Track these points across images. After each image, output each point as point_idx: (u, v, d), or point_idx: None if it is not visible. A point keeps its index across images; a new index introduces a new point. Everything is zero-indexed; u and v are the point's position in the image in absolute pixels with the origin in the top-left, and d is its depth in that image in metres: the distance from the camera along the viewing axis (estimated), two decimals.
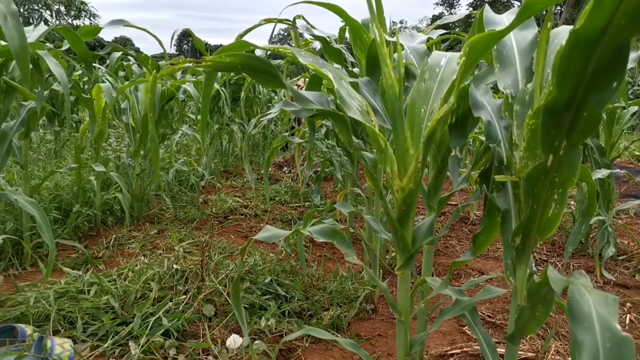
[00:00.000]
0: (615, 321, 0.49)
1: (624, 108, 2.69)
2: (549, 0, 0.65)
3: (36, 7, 21.07)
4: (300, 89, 1.15)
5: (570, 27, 0.84)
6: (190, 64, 0.84)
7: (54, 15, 22.48)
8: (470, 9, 31.83)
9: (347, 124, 0.98)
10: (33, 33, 1.81)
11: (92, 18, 24.51)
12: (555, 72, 0.58)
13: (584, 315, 0.50)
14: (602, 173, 1.99)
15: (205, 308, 1.67)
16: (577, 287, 0.53)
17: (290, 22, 1.58)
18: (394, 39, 0.95)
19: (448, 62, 0.88)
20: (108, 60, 4.02)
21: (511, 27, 0.68)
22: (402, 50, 1.28)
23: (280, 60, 3.32)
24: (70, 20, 23.42)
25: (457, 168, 1.09)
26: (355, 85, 1.07)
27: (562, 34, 0.89)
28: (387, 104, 0.92)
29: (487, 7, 1.01)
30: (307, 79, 4.04)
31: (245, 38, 1.62)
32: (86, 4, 23.87)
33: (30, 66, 1.86)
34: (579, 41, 0.55)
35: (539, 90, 0.78)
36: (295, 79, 5.11)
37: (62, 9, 22.59)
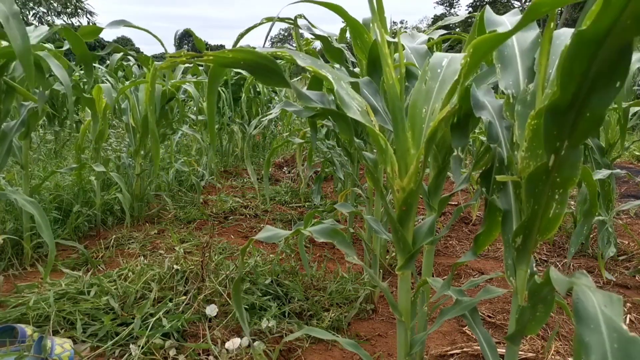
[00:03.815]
0: (621, 321, 0.49)
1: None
2: (555, 3, 0.65)
3: (31, 4, 20.92)
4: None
5: (572, 29, 0.85)
6: (192, 59, 0.84)
7: (50, 12, 22.32)
8: (470, 9, 31.87)
9: (349, 123, 0.98)
10: (34, 34, 1.81)
11: (89, 16, 24.34)
12: (559, 73, 0.58)
13: (589, 317, 0.50)
14: (603, 173, 1.99)
15: (207, 308, 1.67)
16: (581, 288, 0.53)
17: (291, 21, 1.58)
18: (395, 40, 0.95)
19: (450, 62, 0.88)
20: (108, 61, 4.02)
21: (516, 29, 0.68)
22: (403, 50, 1.28)
23: (282, 60, 3.32)
24: (66, 19, 23.25)
25: (459, 168, 1.09)
26: (355, 86, 1.07)
27: (563, 35, 0.89)
28: (388, 104, 0.92)
29: (488, 8, 1.02)
30: (307, 80, 4.04)
31: (245, 38, 1.61)
32: (82, 2, 23.67)
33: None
34: (583, 41, 0.55)
35: (541, 90, 0.78)
36: (296, 79, 5.11)
37: (56, 5, 22.39)
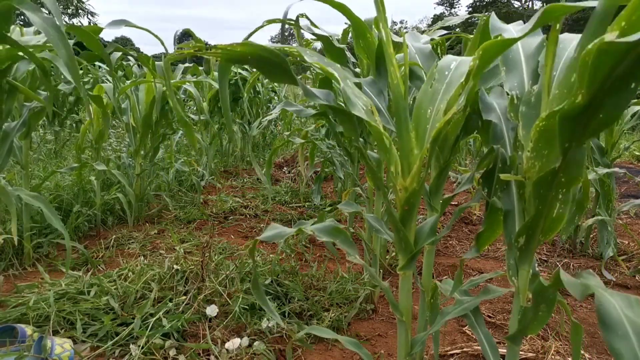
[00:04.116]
0: None
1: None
2: (567, 9, 0.66)
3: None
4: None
5: (576, 35, 0.86)
6: (199, 52, 0.84)
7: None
8: (470, 9, 31.90)
9: (353, 122, 0.98)
10: (39, 36, 1.81)
11: (90, 16, 24.45)
12: (582, 77, 0.58)
13: (615, 323, 0.51)
14: (600, 171, 2.00)
15: (208, 309, 1.67)
16: (601, 293, 0.53)
17: (293, 22, 1.58)
18: (400, 39, 0.95)
19: (458, 65, 0.89)
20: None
21: (526, 34, 0.70)
22: (407, 50, 1.28)
23: (288, 57, 3.31)
24: (68, 19, 23.35)
25: (477, 168, 1.09)
26: (358, 86, 1.07)
27: (567, 39, 0.91)
28: (391, 104, 0.92)
29: (493, 15, 1.03)
30: (306, 80, 4.04)
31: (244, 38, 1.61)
32: (83, 2, 23.77)
33: (32, 67, 1.87)
34: (610, 49, 0.54)
35: (546, 92, 0.78)
36: (298, 77, 5.11)
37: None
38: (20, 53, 1.54)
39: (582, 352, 1.66)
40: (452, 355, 1.63)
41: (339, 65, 0.90)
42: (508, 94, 0.92)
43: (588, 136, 0.63)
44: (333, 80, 0.88)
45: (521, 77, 0.91)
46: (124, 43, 35.82)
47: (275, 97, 6.55)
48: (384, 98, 1.09)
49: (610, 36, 0.52)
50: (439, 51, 2.03)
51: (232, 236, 2.83)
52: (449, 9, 41.75)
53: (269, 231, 1.05)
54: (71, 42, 2.03)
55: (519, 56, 0.94)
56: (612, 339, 0.50)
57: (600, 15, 0.65)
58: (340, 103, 1.02)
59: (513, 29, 0.94)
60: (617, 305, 0.52)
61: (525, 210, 0.88)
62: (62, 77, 3.34)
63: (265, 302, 1.11)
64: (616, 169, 2.28)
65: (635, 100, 2.49)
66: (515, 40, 0.73)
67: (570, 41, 0.90)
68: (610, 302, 0.52)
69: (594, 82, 0.57)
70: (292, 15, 1.64)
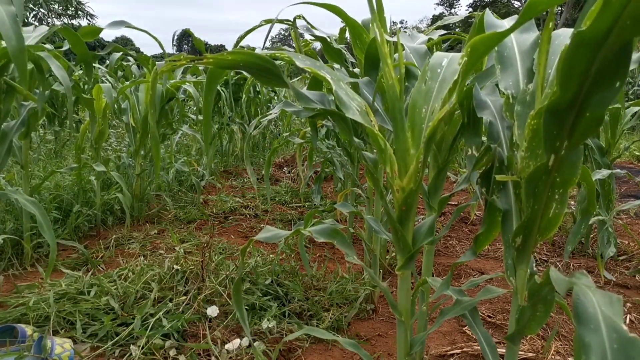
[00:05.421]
0: (621, 322, 0.49)
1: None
2: (551, 1, 0.65)
3: (31, 6, 21.16)
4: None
5: (571, 30, 0.85)
6: (192, 62, 0.84)
7: (50, 14, 22.51)
8: (470, 9, 31.87)
9: (348, 123, 0.98)
10: (33, 34, 1.80)
11: (89, 18, 24.55)
12: (559, 73, 0.58)
13: (589, 317, 0.50)
14: (603, 173, 1.99)
15: (209, 310, 1.67)
16: (581, 288, 0.53)
17: (290, 22, 1.58)
18: (394, 39, 0.95)
19: (450, 62, 0.88)
20: (108, 61, 4.02)
21: (513, 28, 0.68)
22: (403, 50, 1.28)
23: (281, 61, 3.32)
24: (67, 20, 23.43)
25: (473, 167, 1.09)
26: (355, 86, 1.06)
27: (562, 35, 0.89)
28: (387, 104, 0.92)
29: (487, 11, 1.02)
30: (306, 80, 4.04)
31: (246, 38, 1.61)
32: (83, 4, 23.87)
33: (32, 66, 1.87)
34: (583, 42, 0.55)
35: (540, 91, 0.78)
36: (296, 79, 5.10)
37: (57, 7, 22.62)
38: None
39: None
40: (452, 355, 1.63)
41: (330, 68, 0.89)
42: (503, 93, 0.91)
43: (580, 136, 0.63)
44: (325, 83, 0.87)
45: (516, 75, 0.90)
46: (124, 43, 35.89)
47: (275, 97, 6.55)
48: (379, 98, 1.09)
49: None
50: (435, 51, 2.03)
51: (232, 236, 2.83)
52: (448, 9, 41.75)
53: (264, 233, 1.06)
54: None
55: (514, 54, 0.92)
56: (583, 332, 0.50)
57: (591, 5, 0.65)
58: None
59: (507, 25, 0.93)
60: (595, 300, 0.52)
61: (522, 210, 0.88)
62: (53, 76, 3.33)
63: (241, 309, 1.12)
64: (617, 170, 2.28)
65: (635, 100, 2.48)
66: (503, 34, 0.71)
67: (566, 37, 0.88)
68: (589, 297, 0.52)
69: (571, 75, 0.57)
70: (290, 17, 1.64)
